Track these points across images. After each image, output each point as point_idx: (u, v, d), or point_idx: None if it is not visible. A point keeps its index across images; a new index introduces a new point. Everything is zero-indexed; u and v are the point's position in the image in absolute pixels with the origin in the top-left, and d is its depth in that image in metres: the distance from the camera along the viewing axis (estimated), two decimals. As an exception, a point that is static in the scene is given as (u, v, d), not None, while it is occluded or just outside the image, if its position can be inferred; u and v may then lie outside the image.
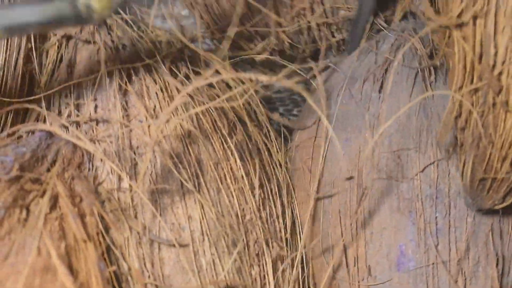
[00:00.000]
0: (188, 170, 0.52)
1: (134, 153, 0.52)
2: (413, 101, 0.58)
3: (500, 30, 0.48)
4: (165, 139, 0.53)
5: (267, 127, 0.62)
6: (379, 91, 0.60)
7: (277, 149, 0.61)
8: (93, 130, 0.53)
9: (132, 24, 0.63)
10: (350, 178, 0.58)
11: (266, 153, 0.60)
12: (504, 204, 0.54)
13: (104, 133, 0.53)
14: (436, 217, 0.56)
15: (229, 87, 0.61)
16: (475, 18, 0.49)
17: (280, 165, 0.61)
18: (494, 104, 0.50)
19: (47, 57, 0.58)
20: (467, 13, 0.49)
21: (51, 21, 0.43)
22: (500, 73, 0.49)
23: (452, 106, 0.53)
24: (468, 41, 0.51)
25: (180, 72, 0.58)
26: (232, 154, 0.56)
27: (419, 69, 0.60)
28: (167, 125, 0.54)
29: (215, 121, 0.56)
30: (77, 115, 0.54)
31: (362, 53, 0.64)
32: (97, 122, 0.54)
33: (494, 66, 0.49)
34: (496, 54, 0.49)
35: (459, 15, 0.50)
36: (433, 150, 0.57)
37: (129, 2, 0.67)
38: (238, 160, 0.55)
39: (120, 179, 0.51)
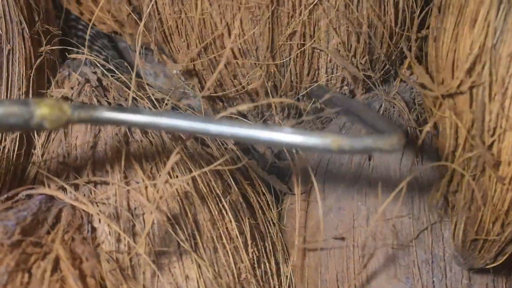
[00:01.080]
0: (185, 231, 0.53)
1: (132, 215, 0.53)
2: (403, 169, 0.59)
3: (492, 98, 0.50)
4: (162, 200, 0.54)
5: (260, 185, 0.63)
6: (369, 159, 0.61)
7: (270, 207, 0.62)
8: (91, 192, 0.54)
9: (128, 83, 0.64)
10: (342, 238, 0.59)
11: (259, 211, 0.60)
12: (496, 264, 0.55)
13: (102, 195, 0.53)
14: (433, 281, 0.57)
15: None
16: (471, 88, 0.51)
17: (274, 223, 0.62)
18: (484, 169, 0.52)
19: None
20: (465, 84, 0.51)
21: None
22: (493, 141, 0.51)
23: (444, 171, 0.55)
24: (460, 109, 0.53)
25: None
26: (226, 213, 0.57)
27: (409, 134, 0.61)
28: (164, 187, 0.54)
29: (210, 180, 0.57)
30: (76, 177, 0.54)
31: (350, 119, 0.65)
32: (95, 184, 0.54)
33: (482, 132, 0.51)
34: (490, 121, 0.50)
35: (458, 86, 0.52)
36: (425, 215, 0.58)
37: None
38: (233, 220, 0.55)
39: (118, 240, 0.51)
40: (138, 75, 0.69)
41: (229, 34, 0.60)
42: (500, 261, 0.55)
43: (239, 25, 0.59)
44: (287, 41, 0.60)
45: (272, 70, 0.62)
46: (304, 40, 0.60)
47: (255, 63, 0.61)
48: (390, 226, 0.58)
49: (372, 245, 0.57)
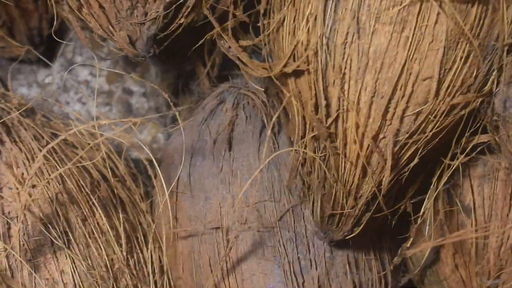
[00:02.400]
0: (57, 229, 0.56)
1: (7, 218, 0.55)
2: (262, 156, 0.64)
3: (331, 83, 0.55)
4: (34, 202, 0.56)
5: (130, 182, 0.66)
6: (229, 150, 0.65)
7: (140, 199, 0.65)
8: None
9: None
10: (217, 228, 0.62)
11: (130, 205, 0.64)
12: (353, 235, 0.60)
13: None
14: (298, 257, 0.62)
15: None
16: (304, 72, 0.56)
17: (144, 213, 0.65)
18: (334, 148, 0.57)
19: None
20: (291, 66, 0.56)
21: None
22: (334, 121, 0.56)
23: (296, 155, 0.59)
24: (304, 95, 0.57)
25: (43, 138, 0.62)
26: (97, 209, 0.60)
27: (265, 123, 0.66)
28: (34, 190, 0.58)
29: (79, 180, 0.60)
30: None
31: (207, 114, 0.68)
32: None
33: (327, 116, 0.56)
34: (328, 105, 0.56)
35: (284, 67, 0.57)
36: (286, 198, 0.63)
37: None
38: (103, 215, 0.59)
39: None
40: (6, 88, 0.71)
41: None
42: (357, 232, 0.60)
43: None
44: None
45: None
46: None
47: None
48: (255, 211, 0.62)
49: (239, 229, 0.61)
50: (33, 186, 0.56)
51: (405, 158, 0.57)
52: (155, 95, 0.85)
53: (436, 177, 0.62)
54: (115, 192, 0.63)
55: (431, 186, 0.62)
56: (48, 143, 0.62)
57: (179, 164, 0.65)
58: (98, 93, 0.82)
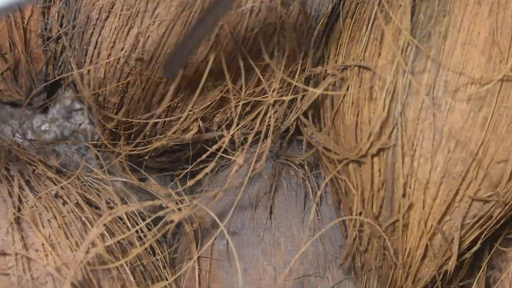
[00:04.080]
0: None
1: (36, 282, 0.50)
2: (306, 227, 0.60)
3: (400, 160, 0.52)
4: (65, 267, 0.51)
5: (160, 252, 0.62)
6: (270, 218, 0.61)
7: (164, 265, 0.62)
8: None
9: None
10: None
11: (154, 272, 0.60)
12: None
13: (3, 266, 0.49)
14: None
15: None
16: (380, 150, 0.53)
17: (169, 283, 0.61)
18: (395, 228, 0.53)
19: None
20: (375, 146, 0.53)
21: None
22: (399, 200, 0.53)
23: (352, 231, 0.56)
24: (367, 171, 0.54)
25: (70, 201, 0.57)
26: (127, 278, 0.55)
27: (307, 192, 0.62)
28: (64, 252, 0.53)
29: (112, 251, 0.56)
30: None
31: (242, 178, 0.64)
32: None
33: (393, 193, 0.53)
34: (395, 182, 0.52)
35: (367, 148, 0.53)
36: (331, 274, 0.59)
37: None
38: (133, 282, 0.55)
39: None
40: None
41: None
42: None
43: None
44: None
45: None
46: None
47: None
48: (298, 286, 0.57)
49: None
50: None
51: (467, 242, 0.54)
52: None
53: (486, 261, 0.59)
54: (141, 257, 0.59)
55: (481, 271, 0.59)
56: (70, 199, 0.57)
57: (212, 229, 0.60)
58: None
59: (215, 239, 0.60)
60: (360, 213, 0.55)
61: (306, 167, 0.63)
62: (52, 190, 0.57)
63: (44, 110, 0.73)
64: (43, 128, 0.75)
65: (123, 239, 0.58)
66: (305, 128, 0.60)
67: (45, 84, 0.70)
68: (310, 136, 0.61)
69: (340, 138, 0.56)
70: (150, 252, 0.62)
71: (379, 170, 0.53)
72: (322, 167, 0.62)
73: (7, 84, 0.69)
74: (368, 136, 0.53)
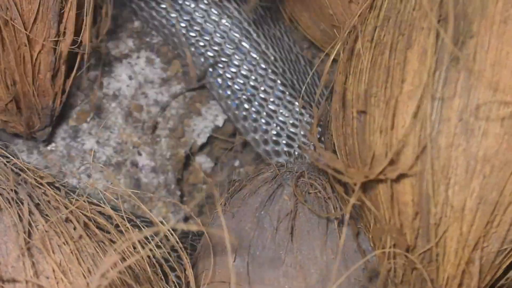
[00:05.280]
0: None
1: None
2: (329, 250, 0.58)
3: (434, 188, 0.50)
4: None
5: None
6: (292, 240, 0.59)
7: None
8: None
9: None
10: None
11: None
12: None
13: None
14: None
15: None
16: (411, 178, 0.51)
17: None
18: (432, 258, 0.52)
19: None
20: (394, 171, 0.51)
21: None
22: (434, 229, 0.51)
23: (386, 264, 0.54)
24: (399, 201, 0.52)
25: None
26: None
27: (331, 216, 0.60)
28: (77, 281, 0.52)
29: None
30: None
31: (265, 199, 0.62)
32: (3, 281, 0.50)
33: (427, 222, 0.51)
34: (429, 212, 0.51)
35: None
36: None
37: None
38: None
39: None
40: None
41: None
42: None
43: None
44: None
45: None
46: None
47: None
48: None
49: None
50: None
51: (503, 267, 0.53)
52: (165, 171, 0.78)
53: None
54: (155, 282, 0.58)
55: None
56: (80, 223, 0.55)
57: (230, 251, 0.58)
58: (105, 165, 0.74)
59: (234, 261, 0.58)
60: (394, 245, 0.53)
61: (328, 187, 0.61)
62: (62, 214, 0.55)
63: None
64: (49, 148, 0.74)
65: (136, 264, 0.57)
66: (311, 152, 0.58)
67: (52, 119, 0.69)
68: (317, 159, 0.58)
69: (355, 162, 0.55)
70: (163, 278, 0.61)
71: (412, 200, 0.51)
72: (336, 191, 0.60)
73: (11, 116, 0.67)
74: (392, 162, 0.51)
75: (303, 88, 0.76)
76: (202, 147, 0.81)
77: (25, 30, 0.63)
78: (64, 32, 0.65)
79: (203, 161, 0.82)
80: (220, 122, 0.81)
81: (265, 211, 0.60)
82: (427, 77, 0.50)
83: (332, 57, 0.55)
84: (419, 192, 0.50)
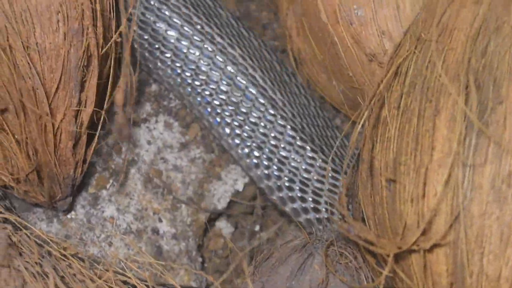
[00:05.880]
0: None
1: None
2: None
3: (468, 258, 0.49)
4: None
5: None
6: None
7: None
8: None
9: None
10: None
11: None
12: None
13: None
14: None
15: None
16: (444, 248, 0.50)
17: None
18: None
19: None
20: (427, 241, 0.50)
21: None
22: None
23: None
24: (432, 271, 0.51)
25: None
26: None
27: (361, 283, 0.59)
28: None
29: None
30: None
31: (295, 269, 0.61)
32: None
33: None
34: (464, 281, 0.49)
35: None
36: None
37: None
38: None
39: None
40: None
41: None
42: None
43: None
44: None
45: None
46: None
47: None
48: None
49: None
50: None
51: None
52: (186, 238, 0.77)
53: None
54: None
55: None
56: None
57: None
58: (125, 233, 0.73)
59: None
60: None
61: (359, 256, 0.60)
62: None
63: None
64: (69, 216, 0.73)
65: None
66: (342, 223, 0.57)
67: (73, 188, 0.68)
68: (347, 230, 0.57)
69: (385, 231, 0.53)
70: None
71: (447, 270, 0.50)
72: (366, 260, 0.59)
73: (31, 186, 0.66)
74: (425, 232, 0.50)
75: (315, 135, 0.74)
76: (222, 212, 0.80)
77: (47, 99, 0.62)
78: (86, 101, 0.65)
79: (223, 226, 0.81)
80: (240, 186, 0.80)
81: (296, 281, 0.59)
82: (457, 144, 0.49)
83: (359, 127, 0.54)
84: (453, 262, 0.49)
